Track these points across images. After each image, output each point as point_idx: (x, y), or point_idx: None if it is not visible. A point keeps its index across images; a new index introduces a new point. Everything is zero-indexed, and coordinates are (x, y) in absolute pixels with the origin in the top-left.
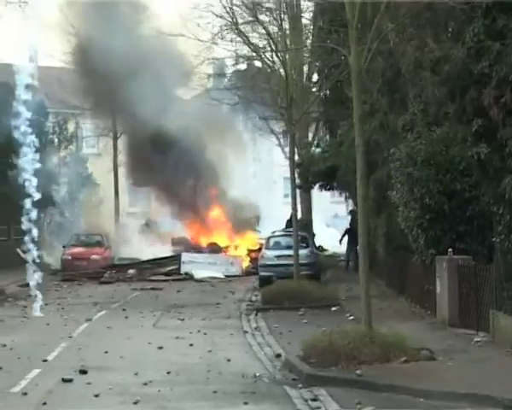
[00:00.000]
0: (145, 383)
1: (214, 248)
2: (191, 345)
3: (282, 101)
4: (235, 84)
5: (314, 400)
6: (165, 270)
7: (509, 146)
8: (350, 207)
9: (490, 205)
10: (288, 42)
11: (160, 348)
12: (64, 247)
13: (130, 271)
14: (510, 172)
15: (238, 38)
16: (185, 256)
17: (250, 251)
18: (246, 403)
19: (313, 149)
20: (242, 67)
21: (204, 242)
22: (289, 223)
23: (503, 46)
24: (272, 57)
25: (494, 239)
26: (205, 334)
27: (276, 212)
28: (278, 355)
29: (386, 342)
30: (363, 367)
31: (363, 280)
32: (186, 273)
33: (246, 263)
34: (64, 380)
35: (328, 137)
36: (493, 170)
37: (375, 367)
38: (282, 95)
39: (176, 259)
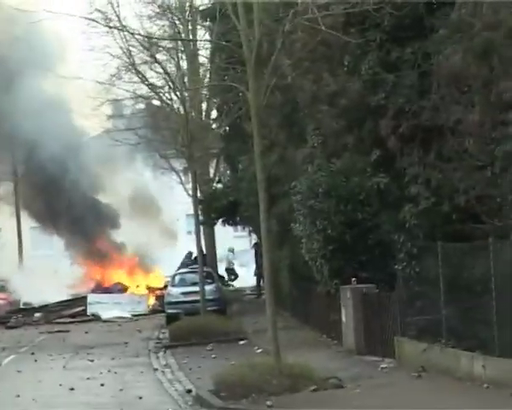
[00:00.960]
0: None
1: (120, 288)
2: (102, 385)
3: (183, 139)
4: (135, 124)
5: None
6: (71, 312)
7: (408, 175)
8: (253, 241)
9: (390, 233)
10: (185, 80)
11: (72, 389)
12: None
13: (37, 314)
14: (409, 201)
15: (136, 78)
16: (91, 297)
17: (153, 289)
18: None
19: (215, 184)
20: (141, 106)
21: (108, 281)
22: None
23: (397, 78)
24: (171, 96)
25: (396, 267)
26: (115, 373)
27: (179, 249)
28: (189, 391)
29: (295, 373)
30: (273, 398)
31: (270, 313)
32: (93, 314)
33: (152, 301)
34: None
35: (228, 172)
36: (392, 199)
37: (285, 398)
38: (182, 133)
39: (82, 300)
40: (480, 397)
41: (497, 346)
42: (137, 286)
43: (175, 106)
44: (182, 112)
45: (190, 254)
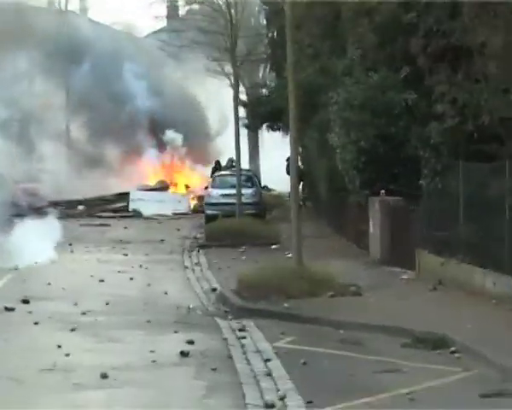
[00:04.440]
0: (83, 313)
1: (163, 186)
2: (132, 279)
3: (226, 42)
4: (181, 26)
5: (241, 330)
6: (113, 207)
7: (435, 93)
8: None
9: (417, 149)
10: None
11: (102, 281)
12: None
13: (80, 207)
14: (436, 119)
15: None
16: (134, 194)
17: (196, 189)
18: (176, 332)
19: (262, 90)
20: (190, 8)
21: (155, 178)
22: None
23: None
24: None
25: (421, 182)
26: (146, 269)
27: (231, 151)
28: (214, 289)
29: (316, 279)
30: (291, 301)
31: (294, 218)
32: (134, 210)
33: (194, 201)
34: (6, 309)
35: (275, 78)
36: (420, 115)
37: (303, 301)
38: (227, 36)
39: (124, 196)
40: (485, 311)
41: (508, 264)
42: (178, 185)
43: (222, 9)
44: (228, 16)
45: (232, 160)
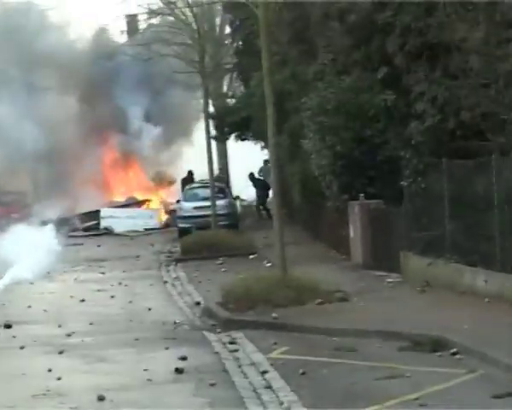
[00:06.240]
0: (69, 335)
1: (133, 203)
2: (112, 297)
3: (195, 54)
4: (148, 40)
5: (232, 343)
6: (84, 225)
7: (414, 92)
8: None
9: (397, 150)
10: None
11: (83, 300)
12: None
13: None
14: (415, 118)
15: None
16: (104, 211)
17: (166, 203)
18: (167, 348)
19: (228, 100)
20: (155, 22)
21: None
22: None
23: None
24: (184, 11)
25: (402, 183)
26: (126, 286)
27: (195, 164)
28: (197, 303)
29: (301, 286)
30: (279, 311)
31: (277, 226)
32: (105, 228)
33: (164, 215)
34: None
35: (242, 88)
36: (399, 116)
37: (291, 310)
38: (195, 48)
39: (95, 214)
40: (479, 310)
41: (499, 261)
42: (149, 201)
43: (188, 21)
44: (195, 27)
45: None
